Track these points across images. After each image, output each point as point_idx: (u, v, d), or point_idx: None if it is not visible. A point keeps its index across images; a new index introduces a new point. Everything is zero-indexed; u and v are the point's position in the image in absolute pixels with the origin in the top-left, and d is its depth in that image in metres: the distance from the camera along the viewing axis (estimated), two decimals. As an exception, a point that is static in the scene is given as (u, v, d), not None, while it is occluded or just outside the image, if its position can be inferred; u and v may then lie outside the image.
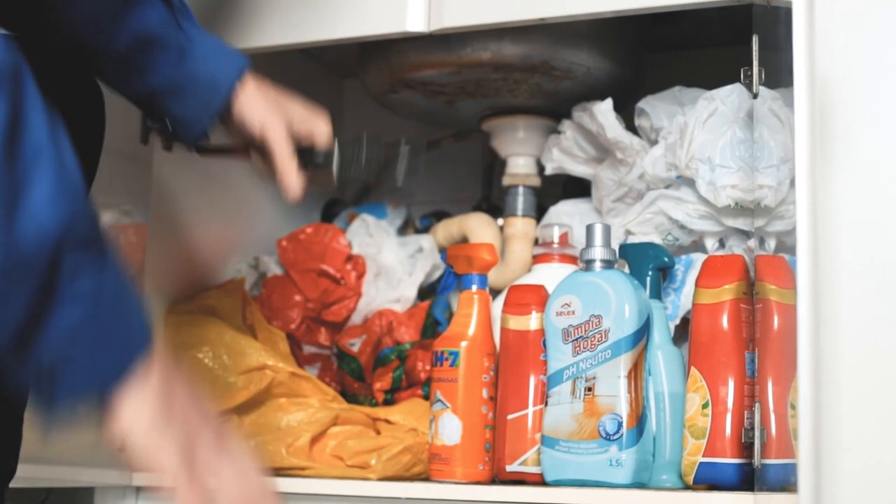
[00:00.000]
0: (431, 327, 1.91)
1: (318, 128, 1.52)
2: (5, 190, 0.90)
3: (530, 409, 1.53)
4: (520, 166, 1.92)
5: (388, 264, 1.98)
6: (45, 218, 0.92)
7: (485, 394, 1.58)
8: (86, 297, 0.95)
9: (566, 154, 1.82)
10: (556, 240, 1.73)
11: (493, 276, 1.74)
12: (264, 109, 1.44)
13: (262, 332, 1.84)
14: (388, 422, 1.70)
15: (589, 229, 1.52)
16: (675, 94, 1.68)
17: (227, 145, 1.51)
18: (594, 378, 1.45)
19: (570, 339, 1.47)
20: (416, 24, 1.66)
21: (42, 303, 0.93)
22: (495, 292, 1.72)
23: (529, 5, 1.61)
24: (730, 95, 1.55)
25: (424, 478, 1.62)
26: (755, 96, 1.46)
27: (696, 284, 1.47)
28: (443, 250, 1.94)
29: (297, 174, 1.48)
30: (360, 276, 1.97)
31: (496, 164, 2.09)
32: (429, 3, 1.66)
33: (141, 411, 0.99)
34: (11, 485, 1.24)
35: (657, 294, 1.51)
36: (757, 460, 1.34)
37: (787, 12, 1.17)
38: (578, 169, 1.82)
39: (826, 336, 1.32)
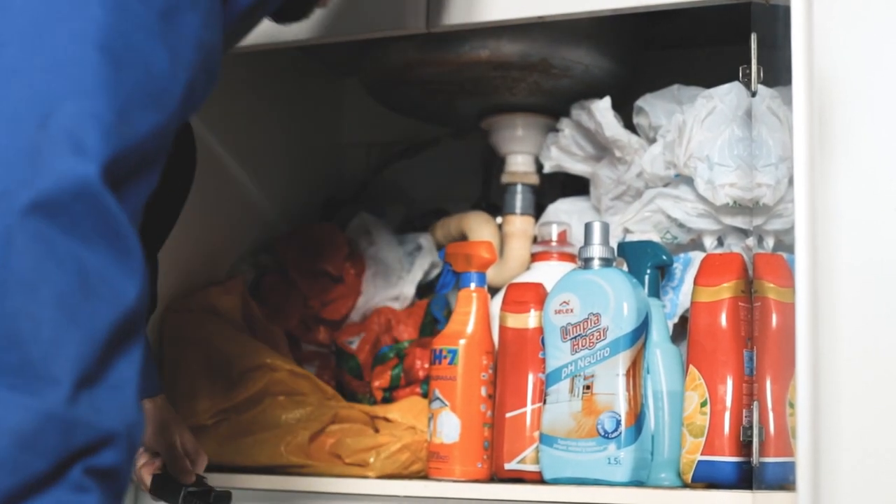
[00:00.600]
0: (430, 325, 1.91)
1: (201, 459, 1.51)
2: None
3: (529, 408, 1.53)
4: (518, 164, 1.92)
5: (387, 262, 1.98)
6: None
7: (483, 392, 1.58)
8: None
9: (565, 152, 1.82)
10: (554, 238, 1.73)
11: (492, 274, 1.74)
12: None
13: (262, 330, 1.84)
14: (386, 420, 1.70)
15: (587, 227, 1.52)
16: (673, 93, 1.68)
17: None
18: (592, 376, 1.45)
19: (568, 338, 1.47)
20: (415, 22, 1.66)
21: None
22: (494, 290, 1.72)
23: (528, 3, 1.60)
24: (728, 94, 1.55)
25: (423, 476, 1.62)
26: (754, 95, 1.46)
27: (695, 283, 1.47)
28: (441, 248, 1.95)
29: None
30: (359, 274, 1.98)
31: (495, 162, 2.09)
32: (427, 1, 1.66)
33: None
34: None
35: (656, 292, 1.52)
36: (755, 459, 1.34)
37: (786, 10, 1.17)
38: (577, 167, 1.82)
39: (825, 334, 1.32)
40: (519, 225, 1.90)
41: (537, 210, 1.91)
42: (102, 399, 0.90)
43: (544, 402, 1.49)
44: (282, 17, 1.36)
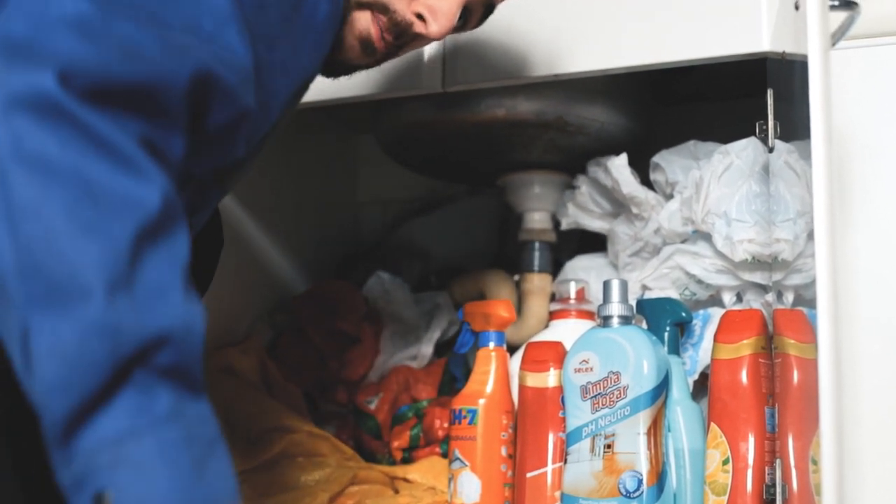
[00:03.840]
0: (448, 384, 1.90)
1: None
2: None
3: (549, 467, 1.52)
4: (535, 221, 1.92)
5: (405, 321, 1.98)
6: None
7: (503, 452, 1.57)
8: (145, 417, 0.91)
9: (581, 209, 1.82)
10: (572, 295, 1.72)
11: (510, 332, 1.73)
12: None
13: (279, 390, 1.84)
14: (406, 480, 1.69)
15: (606, 285, 1.51)
16: (689, 148, 1.68)
17: None
18: (613, 435, 1.44)
19: (588, 396, 1.46)
20: (432, 82, 1.67)
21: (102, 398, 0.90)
22: (512, 348, 1.72)
23: (543, 62, 1.61)
24: (745, 149, 1.55)
25: (444, 537, 1.61)
26: (771, 150, 1.46)
27: (715, 339, 1.46)
28: (459, 306, 1.94)
29: None
30: (377, 333, 1.97)
31: (511, 220, 2.09)
32: (443, 62, 1.67)
33: None
34: None
35: (675, 349, 1.51)
36: (779, 517, 1.33)
37: (803, 65, 1.17)
38: (594, 224, 1.82)
39: (847, 390, 1.32)
40: (537, 282, 1.89)
41: (555, 267, 1.91)
42: (143, 301, 0.90)
43: (565, 462, 1.48)
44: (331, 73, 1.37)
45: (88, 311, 0.88)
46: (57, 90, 0.90)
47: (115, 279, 0.89)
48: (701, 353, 1.55)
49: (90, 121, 0.91)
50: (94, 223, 0.89)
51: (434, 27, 1.30)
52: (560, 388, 1.52)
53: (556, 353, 1.55)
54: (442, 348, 1.99)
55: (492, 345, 1.63)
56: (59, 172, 0.90)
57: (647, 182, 1.70)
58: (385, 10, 1.30)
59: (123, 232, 0.90)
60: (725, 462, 1.40)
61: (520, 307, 1.89)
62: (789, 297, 1.47)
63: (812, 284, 1.14)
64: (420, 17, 1.30)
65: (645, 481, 1.41)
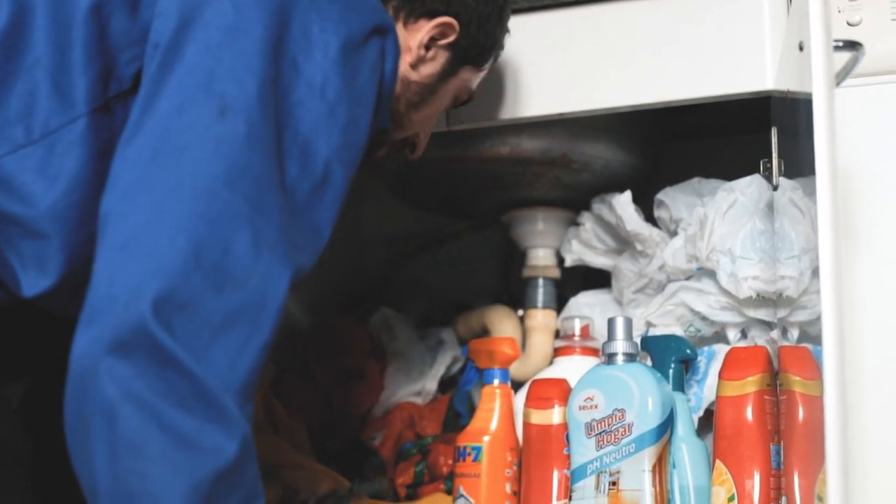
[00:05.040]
0: (453, 420, 1.90)
1: None
2: None
3: (554, 504, 1.52)
4: (539, 258, 1.93)
5: (409, 357, 1.98)
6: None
7: (508, 489, 1.57)
8: None
9: (586, 246, 1.82)
10: (577, 332, 1.72)
11: (515, 369, 1.73)
12: None
13: (284, 428, 1.83)
14: (410, 517, 1.69)
15: (610, 322, 1.51)
16: (694, 186, 1.69)
17: None
18: (618, 472, 1.43)
19: (593, 434, 1.46)
20: (437, 121, 1.67)
21: None
22: (517, 384, 1.71)
23: (547, 101, 1.62)
24: (749, 186, 1.56)
25: (448, 574, 1.61)
26: (775, 188, 1.47)
27: (720, 376, 1.46)
28: (463, 342, 1.94)
29: None
30: (381, 369, 1.97)
31: (516, 256, 2.09)
32: (448, 100, 1.67)
33: None
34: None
35: (680, 386, 1.51)
36: (786, 554, 1.33)
37: (807, 104, 1.17)
38: (598, 260, 1.82)
39: (853, 426, 1.31)
40: (541, 319, 1.89)
41: (559, 303, 1.91)
42: None
43: (570, 499, 1.48)
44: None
45: None
46: (163, 335, 1.04)
47: None
48: (706, 389, 1.55)
49: (197, 373, 1.05)
50: (182, 468, 1.03)
51: (417, 156, 1.58)
52: (565, 426, 1.52)
53: (560, 391, 1.55)
54: (446, 385, 1.99)
55: (496, 382, 1.63)
56: (161, 418, 1.03)
57: (651, 219, 1.71)
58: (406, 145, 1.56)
59: (205, 477, 1.04)
60: (731, 499, 1.40)
61: (524, 344, 1.89)
62: (794, 334, 1.47)
63: (817, 321, 1.14)
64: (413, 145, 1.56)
65: (650, 519, 1.40)
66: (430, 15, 1.44)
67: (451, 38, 1.45)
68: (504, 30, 1.53)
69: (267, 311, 1.12)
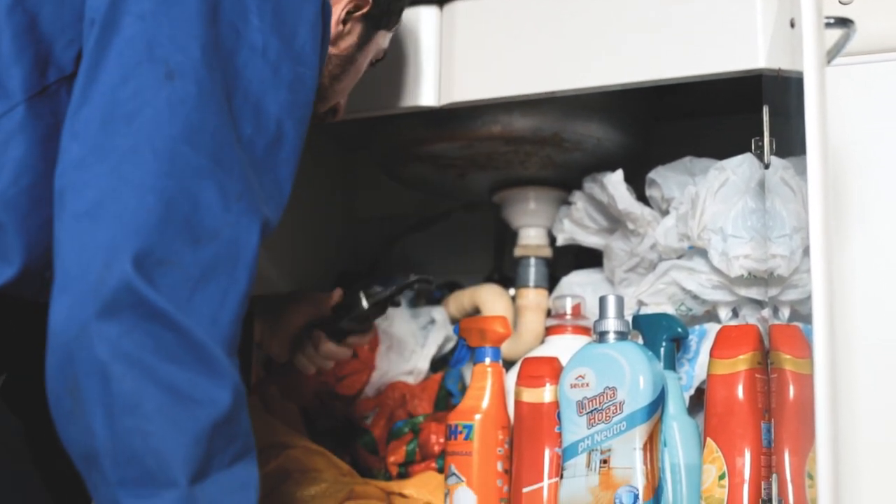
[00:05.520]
0: (444, 399, 1.90)
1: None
2: None
3: (546, 482, 1.52)
4: (531, 237, 1.93)
5: (401, 336, 1.98)
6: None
7: (499, 467, 1.57)
8: None
9: (577, 225, 1.82)
10: (568, 311, 1.72)
11: (506, 348, 1.73)
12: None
13: (276, 407, 1.84)
14: (402, 496, 1.69)
15: (602, 301, 1.51)
16: (685, 165, 1.69)
17: None
18: (609, 450, 1.44)
19: (584, 412, 1.46)
20: (427, 98, 1.67)
21: None
22: (508, 363, 1.72)
23: (539, 79, 1.62)
24: (741, 165, 1.56)
25: (440, 552, 1.61)
26: (766, 166, 1.47)
27: (711, 355, 1.46)
28: (455, 322, 1.94)
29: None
30: (373, 348, 1.97)
31: (507, 235, 2.09)
32: (439, 78, 1.67)
33: None
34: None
35: (671, 365, 1.51)
36: (775, 531, 1.33)
37: (798, 82, 1.17)
38: (590, 240, 1.82)
39: (843, 404, 1.32)
40: (533, 298, 1.90)
41: (551, 282, 1.91)
42: (216, 494, 1.07)
43: (561, 477, 1.48)
44: None
45: (172, 497, 1.04)
46: (148, 290, 1.06)
47: (194, 472, 1.05)
48: (697, 368, 1.56)
49: (186, 325, 1.07)
50: (180, 423, 1.05)
51: (338, 118, 1.59)
52: (556, 404, 1.52)
53: (552, 369, 1.55)
54: (438, 364, 1.99)
55: (488, 360, 1.63)
56: (154, 374, 1.05)
57: (643, 198, 1.71)
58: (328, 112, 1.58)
59: (204, 429, 1.06)
60: (721, 477, 1.40)
61: (516, 323, 1.89)
62: (785, 313, 1.47)
63: (808, 300, 1.14)
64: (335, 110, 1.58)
65: (641, 496, 1.41)
66: None
67: (364, 10, 1.47)
68: None
69: (242, 260, 1.14)
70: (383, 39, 1.56)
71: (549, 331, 1.75)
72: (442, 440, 1.77)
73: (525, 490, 1.53)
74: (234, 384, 1.09)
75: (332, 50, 1.46)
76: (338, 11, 1.45)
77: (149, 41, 1.16)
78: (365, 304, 1.71)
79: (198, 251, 1.10)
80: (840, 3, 1.50)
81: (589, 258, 1.88)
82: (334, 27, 1.45)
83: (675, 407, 1.47)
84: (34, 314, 1.17)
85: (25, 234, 1.17)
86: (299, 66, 1.27)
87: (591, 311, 1.70)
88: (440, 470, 1.75)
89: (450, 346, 1.99)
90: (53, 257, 1.10)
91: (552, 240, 1.91)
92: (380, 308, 1.72)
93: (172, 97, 1.13)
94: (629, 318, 1.54)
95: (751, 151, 1.53)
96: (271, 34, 1.24)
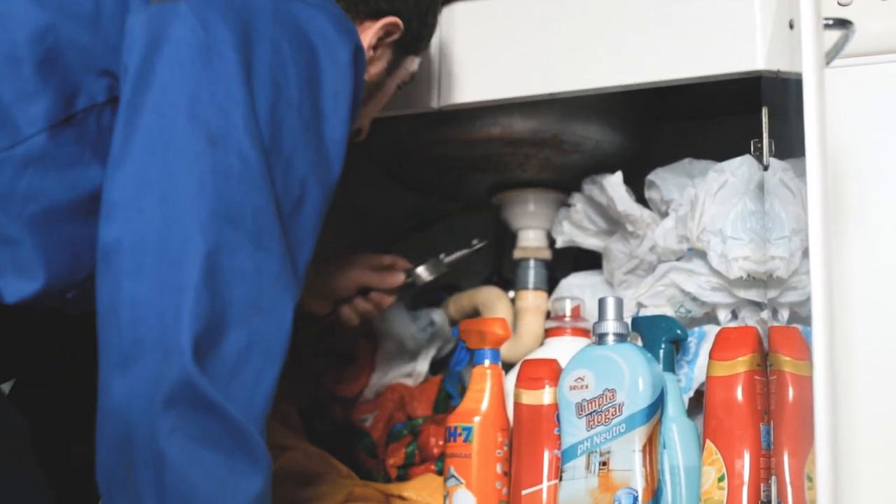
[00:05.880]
0: (444, 401, 1.90)
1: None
2: None
3: (545, 484, 1.52)
4: (530, 239, 1.92)
5: (400, 338, 1.98)
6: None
7: (499, 469, 1.57)
8: None
9: (577, 227, 1.82)
10: (568, 313, 1.72)
11: (506, 350, 1.73)
12: None
13: (275, 409, 1.83)
14: (401, 498, 1.69)
15: (601, 303, 1.51)
16: (684, 166, 1.69)
17: None
18: (609, 452, 1.44)
19: (583, 414, 1.46)
20: (427, 101, 1.67)
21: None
22: (508, 366, 1.71)
23: (539, 80, 1.62)
24: (740, 167, 1.56)
25: (439, 555, 1.61)
26: (765, 168, 1.47)
27: (710, 357, 1.46)
28: (454, 324, 1.94)
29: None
30: (373, 350, 1.97)
31: (506, 237, 2.09)
32: (438, 80, 1.67)
33: None
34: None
35: (671, 367, 1.51)
36: (775, 534, 1.33)
37: (797, 83, 1.17)
38: (589, 241, 1.82)
39: (843, 406, 1.32)
40: (532, 300, 1.89)
41: (550, 284, 1.91)
42: None
43: (560, 479, 1.48)
44: None
45: None
46: (207, 386, 1.09)
47: None
48: (696, 370, 1.55)
49: (231, 414, 1.11)
50: None
51: (362, 138, 1.62)
52: (555, 406, 1.52)
53: (551, 371, 1.55)
54: (437, 366, 1.99)
55: (487, 362, 1.63)
56: (203, 463, 1.09)
57: (642, 200, 1.71)
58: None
59: None
60: (721, 479, 1.40)
61: (515, 325, 1.89)
62: (784, 315, 1.47)
63: (807, 301, 1.14)
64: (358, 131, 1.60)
65: (640, 498, 1.40)
66: (375, 15, 1.47)
67: (395, 36, 1.48)
68: (438, 13, 1.58)
69: (277, 341, 1.16)
70: (412, 64, 1.56)
71: (548, 333, 1.75)
72: (441, 442, 1.77)
73: (524, 492, 1.53)
74: (267, 464, 1.14)
75: None
76: (368, 38, 1.45)
77: (189, 96, 1.16)
78: (443, 256, 1.82)
79: (238, 334, 1.12)
80: (839, 4, 1.50)
81: (588, 260, 1.88)
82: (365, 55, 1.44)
83: (675, 409, 1.47)
84: (48, 321, 1.18)
85: (44, 252, 1.18)
86: (328, 125, 1.26)
87: (591, 313, 1.70)
88: (439, 472, 1.75)
89: (449, 348, 1.99)
90: (100, 309, 1.12)
91: (551, 242, 1.91)
92: (451, 266, 1.84)
93: (215, 169, 1.14)
94: (628, 320, 1.54)
95: (750, 153, 1.53)
96: (305, 89, 1.24)
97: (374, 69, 1.49)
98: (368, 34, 1.45)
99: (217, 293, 1.11)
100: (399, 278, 1.81)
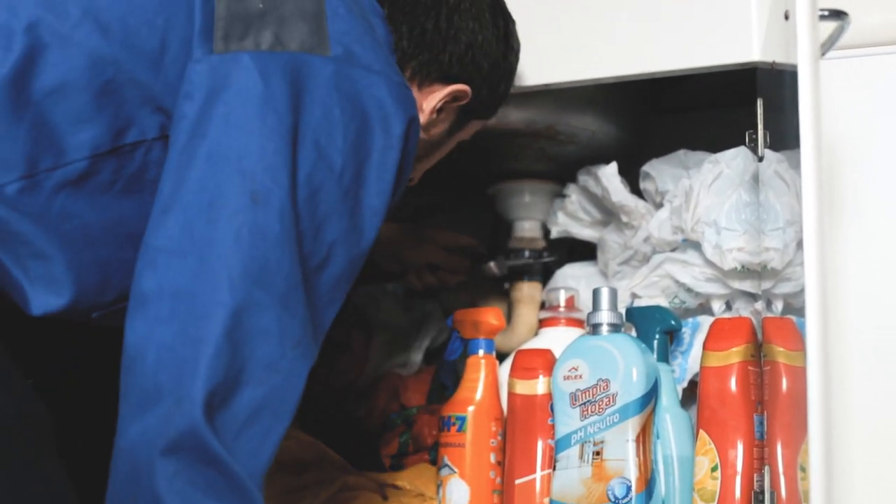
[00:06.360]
0: (438, 391, 1.90)
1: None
2: None
3: (538, 474, 1.53)
4: (525, 230, 1.92)
5: (394, 328, 1.98)
6: None
7: (492, 458, 1.58)
8: None
9: (571, 218, 1.82)
10: (562, 303, 1.73)
11: (500, 340, 1.74)
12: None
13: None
14: (395, 487, 1.69)
15: (595, 293, 1.52)
16: (679, 158, 1.69)
17: None
18: (602, 442, 1.44)
19: (577, 404, 1.46)
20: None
21: None
22: (502, 356, 1.71)
23: (534, 71, 1.62)
24: (735, 158, 1.56)
25: (433, 544, 1.61)
26: (760, 159, 1.47)
27: (704, 347, 1.46)
28: (448, 314, 1.94)
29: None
30: (367, 340, 1.97)
31: (501, 228, 2.09)
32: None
33: None
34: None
35: (664, 357, 1.51)
36: (768, 524, 1.34)
37: (792, 75, 1.17)
38: (584, 232, 1.82)
39: (836, 397, 1.32)
40: (526, 291, 1.89)
41: (544, 275, 1.91)
42: None
43: (554, 469, 1.48)
44: None
45: None
46: (212, 439, 1.10)
47: None
48: (690, 360, 1.56)
49: (234, 469, 1.11)
50: None
51: (414, 184, 1.60)
52: (549, 396, 1.52)
53: (545, 361, 1.56)
54: (431, 356, 1.99)
55: (481, 352, 1.63)
56: None
57: (636, 191, 1.71)
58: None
59: None
60: (714, 469, 1.40)
61: (509, 315, 1.89)
62: (778, 306, 1.48)
63: (801, 293, 1.15)
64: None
65: (634, 488, 1.41)
66: (446, 80, 1.45)
67: (463, 102, 1.47)
68: (511, 84, 1.57)
69: (288, 403, 1.16)
70: (476, 126, 1.56)
71: (542, 323, 1.75)
72: (435, 432, 1.77)
73: (518, 482, 1.53)
74: None
75: (422, 135, 1.42)
76: (434, 101, 1.44)
77: (240, 149, 1.16)
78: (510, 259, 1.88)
79: (252, 393, 1.13)
80: (835, -5, 1.51)
81: (583, 251, 1.88)
82: (427, 116, 1.44)
83: (668, 399, 1.47)
84: (69, 330, 1.19)
85: (75, 269, 1.18)
86: (370, 196, 1.26)
87: (585, 303, 1.70)
88: (433, 462, 1.75)
89: (443, 338, 1.99)
90: (127, 349, 1.13)
91: (546, 232, 1.91)
92: (512, 269, 1.90)
93: (254, 227, 1.14)
94: (622, 311, 1.54)
95: (745, 145, 1.53)
96: (351, 156, 1.23)
97: (436, 130, 1.48)
98: (435, 97, 1.44)
99: (238, 350, 1.12)
100: (465, 264, 1.87)
